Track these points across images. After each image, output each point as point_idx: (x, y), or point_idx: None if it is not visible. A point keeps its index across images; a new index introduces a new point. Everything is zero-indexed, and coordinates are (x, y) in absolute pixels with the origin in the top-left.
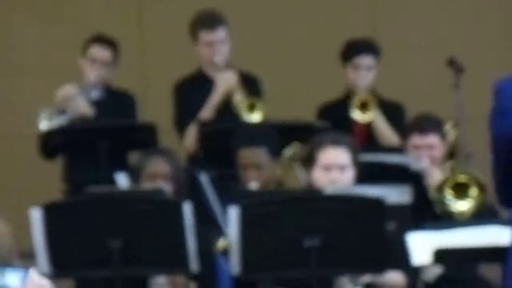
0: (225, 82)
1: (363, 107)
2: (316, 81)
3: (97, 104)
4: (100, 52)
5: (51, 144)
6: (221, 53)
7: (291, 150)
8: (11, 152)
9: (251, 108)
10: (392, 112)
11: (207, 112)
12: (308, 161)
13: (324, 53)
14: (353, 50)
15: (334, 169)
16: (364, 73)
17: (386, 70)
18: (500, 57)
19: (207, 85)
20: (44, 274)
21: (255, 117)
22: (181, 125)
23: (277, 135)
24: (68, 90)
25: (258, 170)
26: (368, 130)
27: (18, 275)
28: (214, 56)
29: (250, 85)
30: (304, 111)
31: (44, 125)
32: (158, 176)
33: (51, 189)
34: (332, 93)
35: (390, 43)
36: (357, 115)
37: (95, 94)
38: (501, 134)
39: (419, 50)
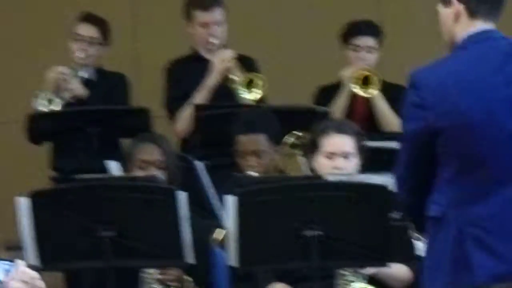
0: (222, 61)
1: (365, 82)
2: (316, 65)
3: (89, 86)
4: (86, 30)
5: (39, 128)
6: (217, 34)
7: (292, 138)
8: None
9: (250, 84)
10: (395, 94)
11: (202, 94)
12: (311, 147)
13: (324, 36)
14: (353, 31)
15: (338, 157)
16: (365, 54)
17: (390, 53)
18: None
19: (201, 66)
20: (32, 266)
21: (254, 94)
22: (172, 107)
23: (277, 121)
24: (59, 70)
25: (258, 157)
26: (367, 113)
27: (2, 267)
28: (209, 37)
29: (247, 65)
30: (303, 96)
31: (43, 108)
32: (151, 163)
33: (39, 179)
34: (332, 78)
35: (394, 25)
36: (358, 91)
37: (85, 73)
38: (423, 128)
39: (424, 33)
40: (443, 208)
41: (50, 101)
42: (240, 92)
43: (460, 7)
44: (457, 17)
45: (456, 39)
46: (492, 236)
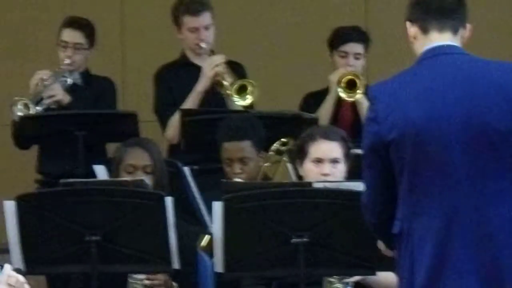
0: (212, 66)
1: (350, 86)
2: (303, 71)
3: (75, 90)
4: (72, 35)
5: (25, 133)
6: (206, 39)
7: (279, 144)
8: None
9: (242, 90)
10: None
11: (192, 99)
12: (299, 154)
13: (312, 43)
14: (341, 38)
15: (325, 163)
16: (352, 61)
17: (376, 59)
18: (492, 46)
19: (191, 72)
20: (17, 270)
21: (247, 100)
22: (163, 113)
23: (262, 127)
24: (41, 76)
25: (243, 164)
26: (354, 119)
27: None
28: (199, 42)
29: (236, 71)
30: (290, 102)
31: (20, 115)
32: (138, 168)
33: (26, 182)
34: (319, 84)
35: (380, 32)
36: (343, 94)
37: (71, 79)
38: (376, 141)
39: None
40: (400, 223)
41: (27, 108)
42: (232, 98)
43: (415, 27)
44: (415, 36)
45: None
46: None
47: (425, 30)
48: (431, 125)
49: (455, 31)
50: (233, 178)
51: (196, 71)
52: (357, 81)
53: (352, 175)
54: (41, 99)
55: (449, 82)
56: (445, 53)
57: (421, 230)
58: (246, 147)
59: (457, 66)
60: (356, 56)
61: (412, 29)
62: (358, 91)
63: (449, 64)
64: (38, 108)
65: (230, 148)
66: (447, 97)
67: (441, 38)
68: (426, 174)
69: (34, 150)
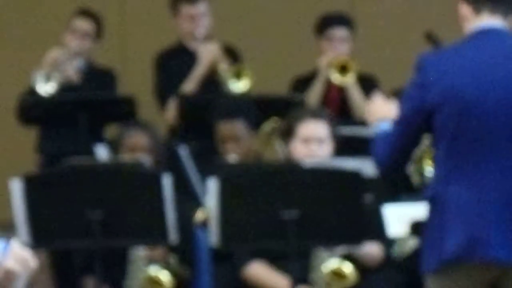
0: (209, 53)
1: (342, 70)
2: (293, 55)
3: (81, 76)
4: (82, 24)
5: (30, 114)
6: (202, 26)
7: (269, 125)
8: None
9: (238, 75)
10: (365, 84)
11: (190, 84)
12: (287, 134)
13: (300, 27)
14: (327, 22)
15: (313, 142)
16: (338, 45)
17: (362, 44)
18: None
19: (188, 57)
20: (24, 245)
21: (243, 84)
22: (162, 97)
23: (254, 108)
24: (57, 53)
25: (236, 142)
26: (341, 101)
27: None
28: (195, 29)
29: (231, 56)
30: (280, 85)
31: (41, 87)
32: (137, 148)
33: (25, 161)
34: (308, 67)
35: (367, 16)
36: (335, 78)
37: (77, 64)
38: (419, 106)
39: (396, 24)
40: (433, 188)
41: (48, 78)
42: (228, 83)
43: (468, 7)
44: (466, 15)
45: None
46: (470, 218)
47: (478, 11)
48: (477, 97)
49: (505, 15)
50: (227, 157)
51: (193, 57)
52: (350, 65)
53: (337, 155)
54: (55, 75)
55: (498, 60)
56: (496, 34)
57: (454, 197)
58: (239, 126)
59: (506, 45)
60: (342, 40)
61: (464, 9)
62: (350, 75)
63: (499, 43)
64: (54, 81)
65: (224, 127)
66: (495, 74)
67: (492, 20)
68: (466, 143)
69: (35, 131)
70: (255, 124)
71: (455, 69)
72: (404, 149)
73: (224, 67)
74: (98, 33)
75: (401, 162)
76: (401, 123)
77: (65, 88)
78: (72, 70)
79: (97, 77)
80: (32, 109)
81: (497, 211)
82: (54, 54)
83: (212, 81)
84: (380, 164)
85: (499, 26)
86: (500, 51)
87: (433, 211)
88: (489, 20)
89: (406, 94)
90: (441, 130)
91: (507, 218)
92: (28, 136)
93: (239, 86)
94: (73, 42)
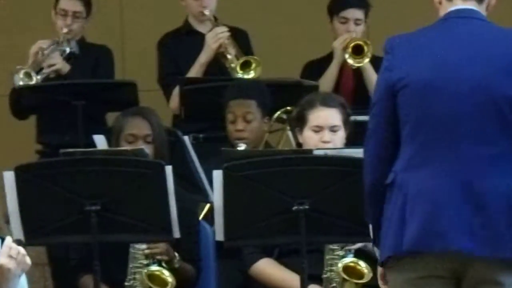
0: (216, 37)
1: (356, 52)
2: (304, 38)
3: (72, 60)
4: (71, 4)
5: (24, 103)
6: (209, 5)
7: (280, 112)
8: None
9: (246, 66)
10: (379, 66)
11: (196, 70)
12: (299, 121)
13: (313, 10)
14: (341, 4)
15: (325, 130)
16: (352, 27)
17: (377, 25)
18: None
19: (194, 40)
20: (17, 241)
21: (250, 75)
22: (166, 83)
23: (268, 93)
24: (41, 45)
25: (247, 122)
26: (354, 86)
27: None
28: (202, 9)
29: (240, 38)
30: (292, 69)
31: (21, 84)
32: (138, 137)
33: (26, 153)
34: (320, 51)
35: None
36: (351, 60)
37: (68, 48)
38: (387, 88)
39: (412, 4)
40: (394, 173)
41: (28, 77)
42: (235, 72)
43: None
44: (440, 1)
45: None
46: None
47: None
48: (441, 80)
49: (480, 1)
50: (235, 138)
51: (200, 38)
52: (365, 47)
53: (351, 142)
54: (41, 68)
55: (464, 44)
56: (465, 17)
57: (415, 184)
58: (251, 104)
59: (474, 30)
60: (356, 22)
61: None
62: (365, 56)
63: (467, 27)
64: (38, 78)
65: (236, 104)
66: (461, 57)
67: (464, 4)
68: (429, 127)
69: (32, 121)
70: (267, 107)
71: (420, 52)
72: (384, 144)
73: (231, 54)
74: (89, 10)
75: (384, 166)
76: (373, 112)
77: (54, 79)
78: (59, 59)
79: (92, 55)
80: (25, 99)
81: (458, 201)
82: (35, 48)
83: (218, 67)
84: (365, 179)
85: (470, 7)
86: (468, 34)
87: (392, 198)
88: (462, 4)
89: (377, 80)
90: (405, 113)
91: (468, 208)
92: (27, 127)
93: (245, 76)
94: (63, 26)
